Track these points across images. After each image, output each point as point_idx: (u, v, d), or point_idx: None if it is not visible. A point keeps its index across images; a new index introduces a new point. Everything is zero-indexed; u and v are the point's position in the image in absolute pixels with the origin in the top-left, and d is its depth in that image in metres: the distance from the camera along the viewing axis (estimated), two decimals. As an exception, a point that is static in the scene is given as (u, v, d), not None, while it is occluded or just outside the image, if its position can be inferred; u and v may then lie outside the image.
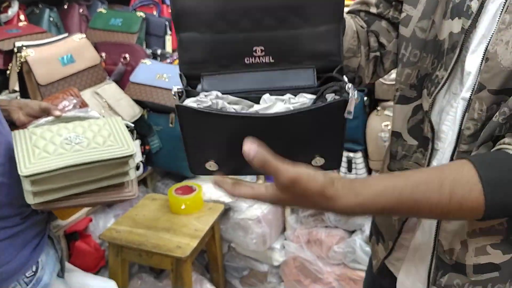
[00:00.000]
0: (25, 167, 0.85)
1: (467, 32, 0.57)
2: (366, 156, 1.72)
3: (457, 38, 0.58)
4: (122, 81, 1.99)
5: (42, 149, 0.91)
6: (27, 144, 0.92)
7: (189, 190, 1.75)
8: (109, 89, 1.73)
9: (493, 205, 0.48)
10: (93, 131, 1.00)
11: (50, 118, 1.07)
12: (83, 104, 1.36)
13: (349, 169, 1.70)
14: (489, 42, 0.54)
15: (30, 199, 0.90)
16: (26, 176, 0.85)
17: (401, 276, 0.74)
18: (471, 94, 0.56)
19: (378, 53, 0.72)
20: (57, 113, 1.08)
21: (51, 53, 1.54)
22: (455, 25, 0.58)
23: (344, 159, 1.68)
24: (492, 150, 0.54)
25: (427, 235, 0.68)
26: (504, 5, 0.53)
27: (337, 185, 0.47)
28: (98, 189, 1.01)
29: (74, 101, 1.30)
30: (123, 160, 0.97)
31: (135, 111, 1.77)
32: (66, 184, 0.92)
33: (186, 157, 0.60)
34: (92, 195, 1.00)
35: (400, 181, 0.49)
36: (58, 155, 0.90)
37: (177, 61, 2.01)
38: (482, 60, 0.55)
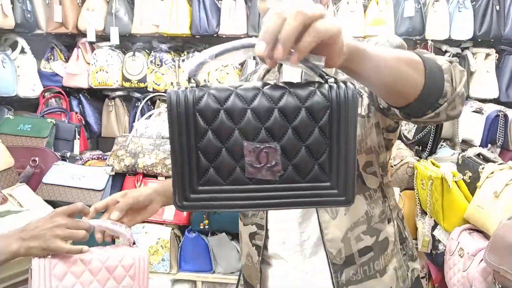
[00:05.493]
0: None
1: None
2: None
3: None
4: (29, 183, 2.02)
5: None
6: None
7: None
8: (22, 190, 1.78)
9: (427, 67, 0.65)
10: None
11: (-20, 215, 1.15)
12: (5, 199, 1.42)
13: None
14: None
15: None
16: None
17: None
18: None
19: None
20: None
21: (-34, 157, 1.58)
22: None
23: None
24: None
25: (317, 249, 0.90)
26: None
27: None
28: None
29: (-2, 197, 1.37)
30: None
31: (47, 211, 1.82)
32: (16, 271, 0.99)
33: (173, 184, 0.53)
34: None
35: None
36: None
37: (89, 163, 2.14)
38: None
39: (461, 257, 1.53)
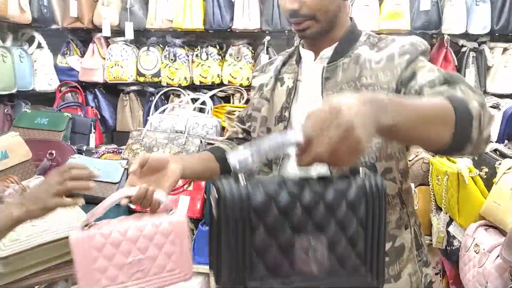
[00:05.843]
0: (1, 250, 0.95)
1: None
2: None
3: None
4: (46, 175, 2.06)
5: (14, 233, 1.01)
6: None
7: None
8: (40, 182, 1.81)
9: (457, 117, 0.65)
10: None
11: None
12: (24, 190, 1.45)
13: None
14: None
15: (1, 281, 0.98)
16: (2, 258, 0.95)
17: None
18: None
19: None
20: (8, 200, 1.19)
21: (-14, 150, 1.62)
22: None
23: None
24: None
25: None
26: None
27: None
28: (52, 267, 1.11)
29: (17, 187, 1.40)
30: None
31: (65, 203, 1.85)
32: (32, 263, 1.02)
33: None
34: (48, 272, 1.10)
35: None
36: (27, 237, 1.02)
37: (104, 156, 2.17)
38: None
39: (476, 253, 1.52)
